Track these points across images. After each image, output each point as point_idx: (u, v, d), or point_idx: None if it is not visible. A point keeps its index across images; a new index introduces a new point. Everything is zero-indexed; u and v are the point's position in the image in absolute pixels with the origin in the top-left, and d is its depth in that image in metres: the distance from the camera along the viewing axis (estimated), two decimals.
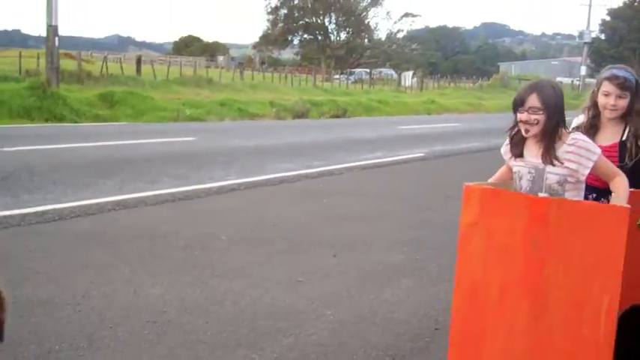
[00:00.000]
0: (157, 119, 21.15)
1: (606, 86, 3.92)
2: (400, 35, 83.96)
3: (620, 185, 3.43)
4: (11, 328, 4.17)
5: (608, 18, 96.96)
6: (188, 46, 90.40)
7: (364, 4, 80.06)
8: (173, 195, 8.65)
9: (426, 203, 9.12)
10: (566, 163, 3.39)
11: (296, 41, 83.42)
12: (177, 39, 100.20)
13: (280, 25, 79.27)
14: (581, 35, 71.06)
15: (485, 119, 31.66)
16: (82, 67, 28.32)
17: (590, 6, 70.78)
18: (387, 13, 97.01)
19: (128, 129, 17.66)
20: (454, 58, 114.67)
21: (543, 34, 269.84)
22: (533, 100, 3.49)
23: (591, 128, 4.02)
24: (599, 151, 3.43)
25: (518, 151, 3.61)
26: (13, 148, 11.76)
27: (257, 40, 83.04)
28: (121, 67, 31.54)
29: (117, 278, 5.22)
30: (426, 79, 59.86)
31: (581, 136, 3.47)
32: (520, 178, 3.58)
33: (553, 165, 3.41)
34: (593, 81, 75.96)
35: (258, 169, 11.32)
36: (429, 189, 10.34)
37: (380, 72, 68.40)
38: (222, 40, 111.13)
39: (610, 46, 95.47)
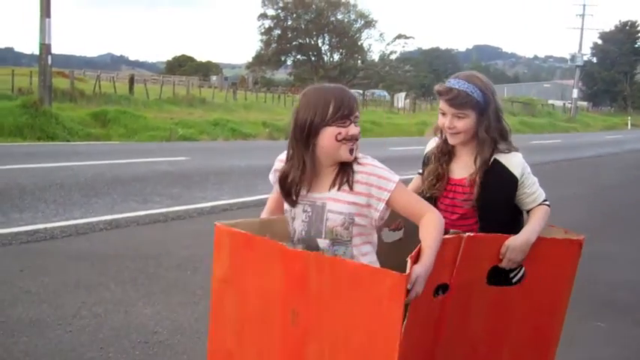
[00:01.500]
0: (150, 138, 21.13)
1: (441, 103, 3.13)
2: (393, 57, 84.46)
3: (428, 226, 2.50)
4: (1, 347, 4.16)
5: (600, 41, 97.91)
6: (181, 65, 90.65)
7: (358, 25, 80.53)
8: (165, 215, 8.63)
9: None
10: (353, 196, 2.59)
11: (289, 62, 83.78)
12: (170, 58, 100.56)
13: (274, 45, 79.60)
14: (573, 58, 71.62)
15: None
16: (75, 86, 28.37)
17: (582, 29, 71.45)
18: (381, 34, 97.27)
19: (120, 148, 17.64)
20: (447, 79, 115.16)
21: (536, 57, 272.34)
22: None
23: (443, 155, 3.24)
24: (396, 178, 2.66)
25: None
26: (5, 167, 11.71)
27: (250, 60, 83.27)
28: (114, 86, 31.62)
29: (108, 298, 5.20)
30: (418, 101, 60.09)
31: (372, 160, 2.71)
32: (293, 219, 2.75)
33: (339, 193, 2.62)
34: (584, 104, 76.67)
35: (251, 189, 11.30)
36: None
37: (373, 93, 68.84)
38: (215, 60, 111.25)
39: (602, 69, 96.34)
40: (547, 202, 3.13)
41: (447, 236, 2.54)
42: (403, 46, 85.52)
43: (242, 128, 26.20)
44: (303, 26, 78.16)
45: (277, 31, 79.30)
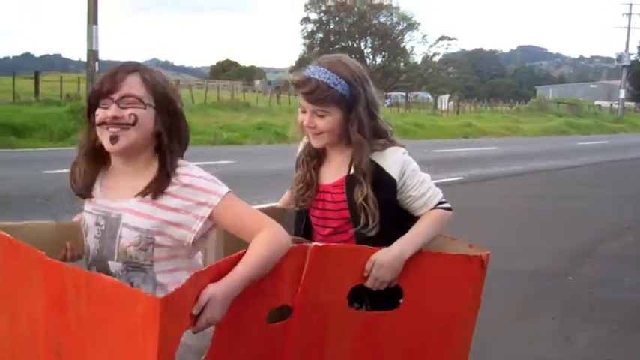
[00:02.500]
0: (195, 142, 20.89)
1: (300, 97, 2.51)
2: (436, 59, 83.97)
3: (255, 241, 2.06)
4: None
5: None
6: (225, 70, 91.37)
7: (400, 28, 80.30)
8: None
9: (463, 228, 9.07)
10: (158, 210, 2.10)
11: None
12: (214, 63, 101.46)
13: (316, 49, 79.69)
14: (619, 58, 70.37)
15: (523, 143, 31.47)
16: None
17: (628, 28, 70.16)
18: (423, 37, 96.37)
19: None
20: (491, 81, 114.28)
21: (581, 57, 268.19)
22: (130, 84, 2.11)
23: (312, 159, 2.68)
24: (223, 190, 2.20)
25: (83, 185, 2.24)
26: (54, 171, 11.93)
27: (293, 64, 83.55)
28: None
29: None
30: (462, 103, 59.70)
31: (193, 169, 2.24)
32: (86, 233, 2.24)
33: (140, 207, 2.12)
34: (632, 104, 75.29)
35: None
36: (467, 214, 10.28)
37: (416, 95, 68.50)
38: (258, 64, 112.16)
39: None
40: (446, 206, 2.59)
41: (290, 246, 2.11)
42: (446, 48, 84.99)
43: (286, 132, 26.23)
44: (345, 29, 78.25)
45: (320, 35, 79.53)
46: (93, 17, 21.38)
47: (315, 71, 2.43)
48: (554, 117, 55.27)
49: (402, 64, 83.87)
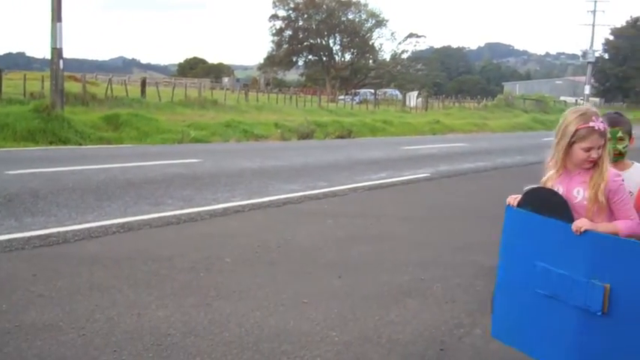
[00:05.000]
0: (162, 141, 21.17)
1: None
2: (405, 56, 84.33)
3: None
4: (16, 352, 4.16)
5: (611, 37, 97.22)
6: (193, 67, 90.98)
7: (369, 25, 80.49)
8: (178, 217, 8.64)
9: (431, 223, 9.09)
10: None
11: (301, 62, 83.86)
12: (181, 61, 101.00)
13: (285, 46, 79.69)
14: (584, 55, 71.27)
15: (490, 139, 31.68)
16: (87, 90, 28.47)
17: (593, 25, 71.08)
18: (392, 34, 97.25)
19: (132, 151, 17.68)
20: (459, 78, 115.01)
21: (547, 54, 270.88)
22: None
23: None
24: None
25: None
26: (17, 171, 11.76)
27: (262, 61, 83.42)
28: (126, 90, 31.71)
29: (121, 301, 5.20)
30: (430, 100, 59.95)
31: None
32: None
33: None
34: (597, 100, 76.20)
35: (262, 190, 11.31)
36: (434, 209, 10.31)
37: (385, 92, 68.72)
38: (226, 62, 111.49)
39: (613, 65, 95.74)
40: None
41: None
42: (415, 45, 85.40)
43: (254, 129, 26.22)
44: (314, 27, 78.22)
45: (288, 32, 79.44)
46: (57, 14, 21.05)
47: None
48: (521, 113, 55.76)
49: (370, 61, 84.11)
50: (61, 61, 21.42)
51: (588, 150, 3.45)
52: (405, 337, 4.70)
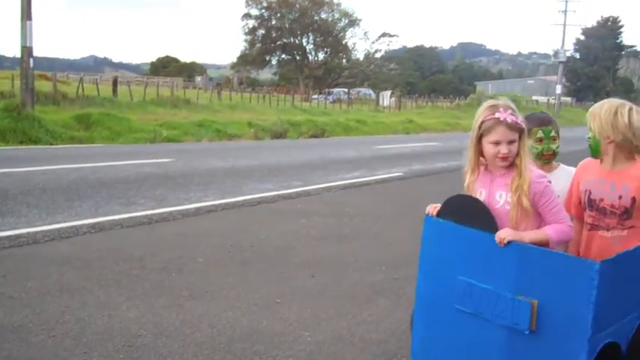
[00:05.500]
0: (134, 141, 21.03)
1: None
2: (378, 55, 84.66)
3: None
4: None
5: (582, 37, 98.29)
6: (165, 66, 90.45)
7: (342, 24, 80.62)
8: (149, 217, 8.58)
9: (404, 222, 9.11)
10: None
11: (274, 61, 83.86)
12: (154, 59, 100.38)
13: (258, 45, 79.62)
14: (556, 54, 72.08)
15: (463, 138, 31.48)
16: (58, 89, 28.14)
17: (564, 25, 71.61)
18: (365, 33, 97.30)
19: (104, 151, 17.55)
20: (432, 77, 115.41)
21: (519, 54, 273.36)
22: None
23: None
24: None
25: None
26: None
27: (235, 60, 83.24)
28: (97, 89, 31.42)
29: (92, 302, 5.15)
30: (403, 99, 60.20)
31: None
32: None
33: None
34: (568, 100, 76.67)
35: (236, 189, 11.27)
36: (407, 208, 10.33)
37: (358, 92, 68.89)
38: (199, 61, 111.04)
39: (585, 64, 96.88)
40: None
41: None
42: (388, 45, 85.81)
43: (227, 129, 26.13)
44: (287, 26, 78.23)
45: (261, 31, 79.37)
46: (27, 13, 20.83)
47: None
48: None
49: (344, 60, 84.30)
50: (31, 60, 21.19)
51: (497, 144, 3.22)
52: (378, 336, 4.71)
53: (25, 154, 15.32)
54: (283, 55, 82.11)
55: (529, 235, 3.11)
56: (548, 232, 3.16)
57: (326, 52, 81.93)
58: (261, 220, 8.91)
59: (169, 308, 5.08)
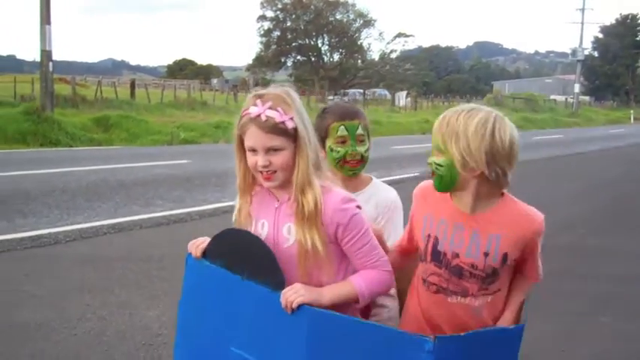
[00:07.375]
0: (152, 142, 21.18)
1: None
2: (393, 55, 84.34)
3: None
4: (8, 351, 4.21)
5: (600, 35, 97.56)
6: (182, 69, 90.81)
7: (357, 25, 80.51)
8: (168, 218, 8.68)
9: None
10: None
11: (289, 63, 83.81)
12: (171, 62, 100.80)
13: (273, 47, 79.64)
14: (574, 53, 71.34)
15: None
16: (77, 92, 28.41)
17: (582, 23, 71.12)
18: (380, 33, 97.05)
19: (122, 152, 17.69)
20: (448, 77, 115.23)
21: (537, 52, 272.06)
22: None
23: None
24: None
25: None
26: (8, 173, 11.77)
27: (250, 62, 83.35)
28: (115, 91, 31.66)
29: (112, 301, 5.25)
30: (419, 99, 60.10)
31: None
32: None
33: None
34: (587, 99, 76.13)
35: None
36: None
37: (374, 92, 68.82)
38: (215, 63, 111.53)
39: (603, 63, 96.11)
40: None
41: None
42: (403, 45, 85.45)
43: None
44: (302, 27, 78.19)
45: (277, 33, 79.37)
46: (46, 17, 21.03)
47: None
48: (511, 112, 55.32)
49: (359, 61, 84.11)
50: (50, 64, 21.39)
51: (254, 152, 2.32)
52: None
53: (45, 156, 15.48)
54: (298, 57, 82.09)
55: (330, 292, 2.13)
56: (357, 284, 2.16)
57: (341, 53, 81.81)
58: None
59: None
